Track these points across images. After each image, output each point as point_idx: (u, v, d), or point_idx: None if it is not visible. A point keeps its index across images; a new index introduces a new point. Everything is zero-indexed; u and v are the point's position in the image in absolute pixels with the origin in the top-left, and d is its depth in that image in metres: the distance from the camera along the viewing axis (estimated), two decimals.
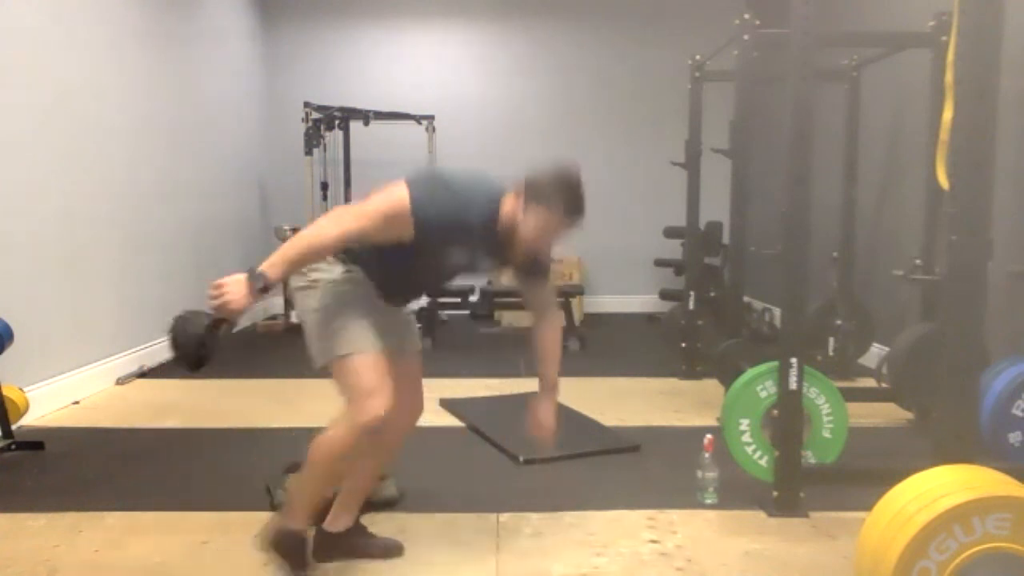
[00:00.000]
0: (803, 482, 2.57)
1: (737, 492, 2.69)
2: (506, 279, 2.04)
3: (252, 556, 2.29)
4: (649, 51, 7.20)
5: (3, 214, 3.49)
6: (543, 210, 2.01)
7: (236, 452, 3.28)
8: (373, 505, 2.60)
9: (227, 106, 6.36)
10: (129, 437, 3.50)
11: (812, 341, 4.28)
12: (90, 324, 4.22)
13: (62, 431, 3.51)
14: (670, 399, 4.10)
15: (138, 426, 3.65)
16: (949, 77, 2.60)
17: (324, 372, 2.13)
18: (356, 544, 2.27)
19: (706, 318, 4.78)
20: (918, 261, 3.67)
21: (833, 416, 2.76)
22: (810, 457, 2.73)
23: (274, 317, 6.77)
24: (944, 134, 2.87)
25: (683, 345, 4.63)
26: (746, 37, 3.84)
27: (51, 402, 3.79)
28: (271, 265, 1.89)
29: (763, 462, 2.72)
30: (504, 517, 2.57)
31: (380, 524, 2.51)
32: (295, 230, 6.31)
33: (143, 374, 4.61)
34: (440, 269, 2.18)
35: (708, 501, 2.66)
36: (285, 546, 2.12)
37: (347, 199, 6.67)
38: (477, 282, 5.99)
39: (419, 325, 6.58)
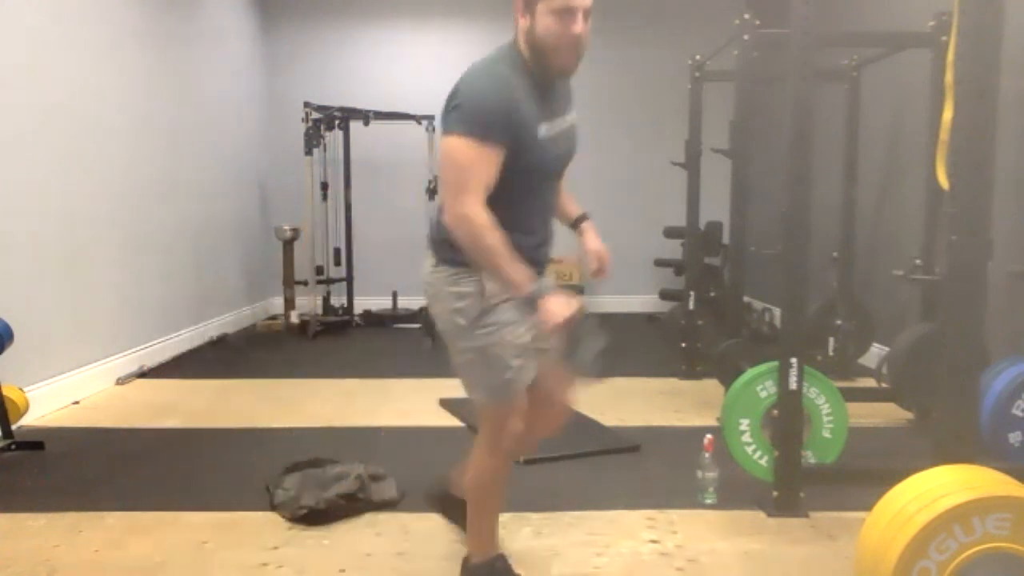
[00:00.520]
0: (803, 482, 2.57)
1: (737, 492, 2.69)
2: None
3: (252, 556, 2.29)
4: (649, 51, 7.20)
5: (3, 214, 3.49)
6: (540, 4, 1.79)
7: (236, 452, 3.28)
8: (374, 505, 2.61)
9: (227, 106, 6.36)
10: (129, 437, 3.50)
11: (812, 341, 4.28)
12: (90, 324, 4.22)
13: (62, 431, 3.51)
14: (670, 399, 4.10)
15: (138, 426, 3.65)
16: (949, 77, 2.60)
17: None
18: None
19: (706, 318, 4.78)
20: (918, 261, 3.67)
21: (833, 416, 2.76)
22: (810, 457, 2.73)
23: (274, 317, 6.78)
24: (944, 134, 2.87)
25: (683, 345, 4.63)
26: (746, 37, 3.84)
27: (51, 402, 3.79)
28: (508, 284, 1.78)
29: (763, 462, 2.72)
30: (504, 517, 2.56)
31: (381, 524, 2.52)
32: (295, 230, 6.38)
33: (143, 374, 4.61)
34: (545, 160, 1.89)
35: (708, 501, 2.66)
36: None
37: (347, 199, 6.67)
38: None
39: (419, 325, 6.46)
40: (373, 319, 6.67)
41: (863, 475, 2.53)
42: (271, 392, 4.29)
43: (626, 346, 5.87)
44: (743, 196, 4.17)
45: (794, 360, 2.51)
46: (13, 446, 3.16)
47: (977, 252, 2.02)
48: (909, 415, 3.67)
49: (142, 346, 4.76)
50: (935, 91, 3.43)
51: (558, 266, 6.87)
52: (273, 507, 2.59)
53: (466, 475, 2.05)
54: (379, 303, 6.97)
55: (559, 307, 1.74)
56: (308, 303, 6.18)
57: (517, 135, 1.76)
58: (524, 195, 1.88)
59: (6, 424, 3.16)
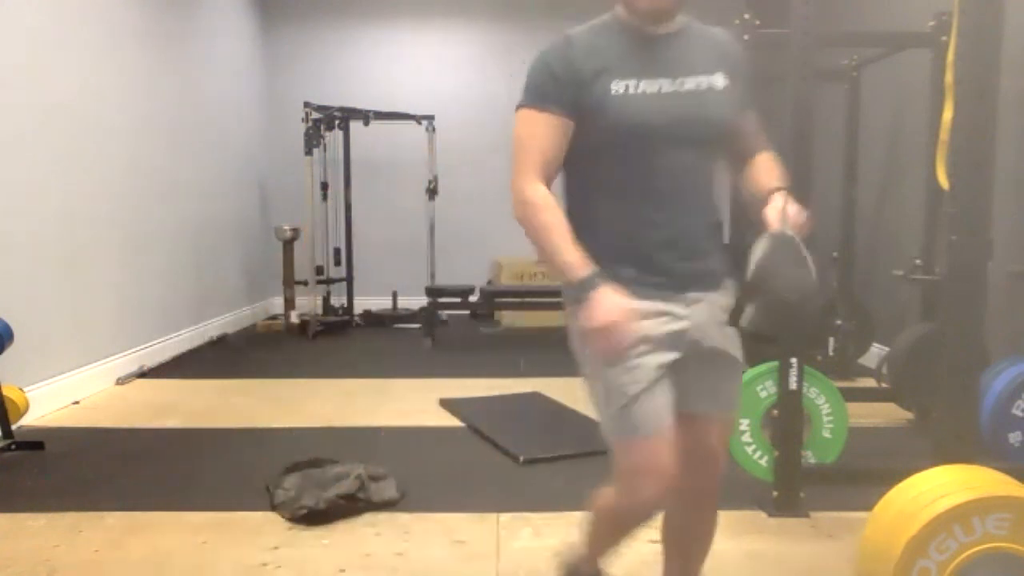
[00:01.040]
0: (803, 482, 2.57)
1: (737, 492, 2.68)
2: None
3: (252, 556, 2.29)
4: None
5: (3, 214, 3.49)
6: None
7: (236, 452, 3.28)
8: (374, 505, 2.61)
9: (227, 106, 6.36)
10: (129, 437, 3.50)
11: (812, 341, 4.28)
12: (90, 324, 4.22)
13: (62, 431, 3.51)
14: None
15: (138, 426, 3.65)
16: (949, 77, 2.60)
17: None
18: None
19: None
20: (918, 261, 3.67)
21: (833, 416, 2.76)
22: (810, 457, 2.73)
23: (274, 317, 6.78)
24: (944, 134, 2.87)
25: None
26: (746, 37, 3.84)
27: (51, 402, 3.79)
28: (570, 264, 1.47)
29: (763, 462, 2.72)
30: (504, 517, 2.57)
31: (380, 524, 2.52)
32: (295, 230, 6.38)
33: (143, 374, 4.61)
34: (637, 122, 1.51)
35: None
36: None
37: (347, 199, 6.67)
38: (477, 282, 5.99)
39: (418, 325, 6.45)
40: (373, 319, 6.67)
41: (863, 475, 2.53)
42: (271, 392, 4.29)
43: None
44: (743, 196, 4.17)
45: (794, 360, 2.51)
46: (13, 446, 3.16)
47: (977, 252, 2.02)
48: (909, 415, 3.67)
49: (142, 346, 4.76)
50: (935, 91, 3.43)
51: None
52: (273, 507, 2.59)
53: (599, 494, 1.77)
54: (379, 303, 6.97)
55: (603, 310, 1.43)
56: (308, 303, 6.19)
57: (578, 94, 1.49)
58: (629, 173, 1.53)
59: (6, 424, 3.16)
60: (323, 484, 2.61)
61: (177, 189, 5.32)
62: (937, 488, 1.72)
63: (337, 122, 6.43)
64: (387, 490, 2.68)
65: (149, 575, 2.22)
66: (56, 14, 3.93)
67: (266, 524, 2.51)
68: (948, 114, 2.66)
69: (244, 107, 6.76)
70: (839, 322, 4.41)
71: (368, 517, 2.56)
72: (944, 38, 3.39)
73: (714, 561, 2.29)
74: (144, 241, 4.82)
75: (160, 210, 5.05)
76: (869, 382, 3.87)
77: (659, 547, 2.37)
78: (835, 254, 4.48)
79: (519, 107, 1.55)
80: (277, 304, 6.82)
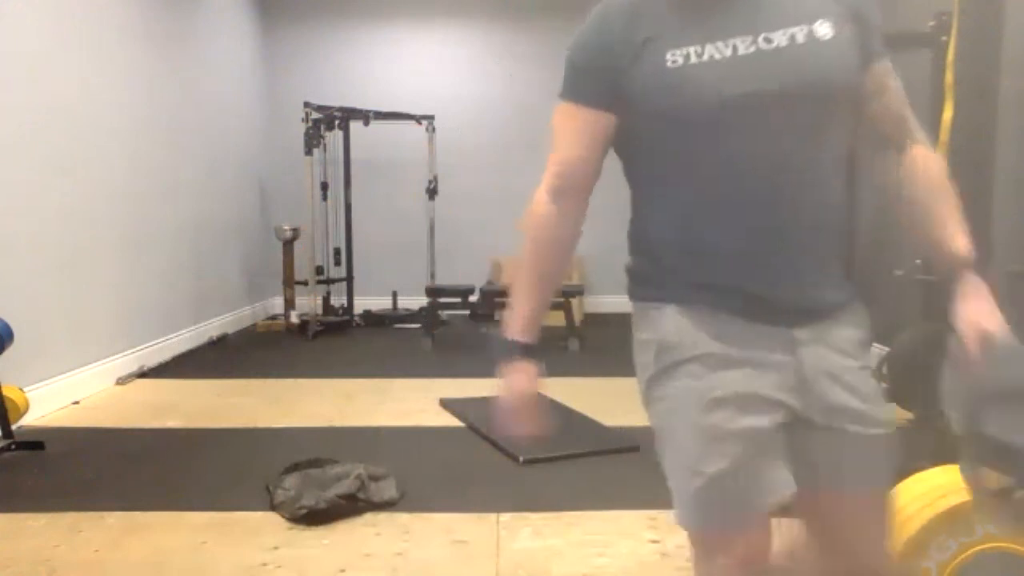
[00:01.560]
0: None
1: None
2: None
3: (252, 556, 2.29)
4: None
5: (3, 214, 3.49)
6: None
7: (236, 452, 3.28)
8: (374, 505, 2.61)
9: (227, 106, 6.36)
10: (129, 437, 3.50)
11: None
12: (90, 324, 4.22)
13: (62, 431, 3.51)
14: None
15: (138, 426, 3.65)
16: (949, 77, 2.60)
17: None
18: None
19: None
20: (918, 261, 3.67)
21: None
22: None
23: (274, 317, 6.78)
24: (944, 134, 2.87)
25: None
26: None
27: (51, 402, 3.79)
28: (511, 318, 1.26)
29: None
30: (504, 517, 2.57)
31: (380, 524, 2.51)
32: (295, 230, 6.38)
33: (143, 374, 4.61)
34: (700, 101, 1.12)
35: None
36: None
37: (347, 199, 6.67)
38: (477, 282, 5.99)
39: (419, 325, 6.44)
40: (373, 319, 6.67)
41: None
42: (271, 392, 4.29)
43: (626, 346, 5.87)
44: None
45: None
46: (13, 446, 3.15)
47: (977, 252, 2.01)
48: (909, 415, 3.67)
49: (142, 346, 4.76)
50: (935, 91, 3.43)
51: None
52: (273, 507, 2.59)
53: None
54: (379, 303, 6.97)
55: (506, 392, 1.25)
56: (308, 303, 6.18)
57: (617, 80, 1.15)
58: (699, 171, 1.15)
59: (6, 424, 3.16)
60: (323, 484, 2.61)
61: (177, 189, 5.32)
62: (937, 488, 1.72)
63: (337, 122, 6.43)
64: (387, 490, 2.68)
65: (149, 575, 2.22)
66: (56, 14, 3.93)
67: (266, 524, 2.51)
68: (948, 114, 2.66)
69: (244, 107, 6.76)
70: None
71: (368, 517, 2.56)
72: (944, 38, 3.38)
73: None
74: (144, 241, 4.82)
75: (160, 210, 5.05)
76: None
77: (659, 547, 2.38)
78: None
79: (559, 97, 1.27)
80: (277, 304, 6.82)
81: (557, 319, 5.61)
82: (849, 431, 1.19)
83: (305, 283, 6.26)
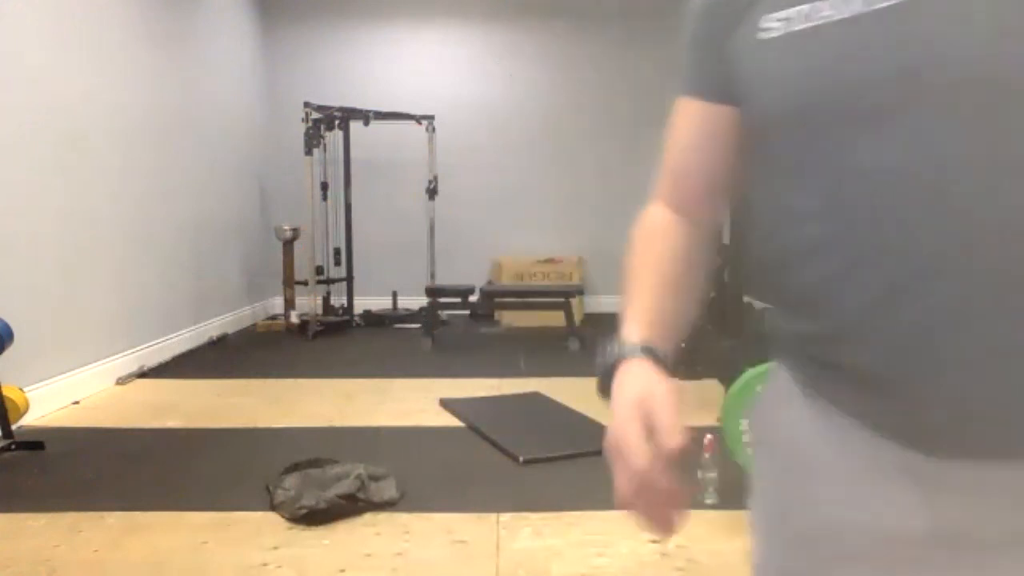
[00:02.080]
0: None
1: (737, 492, 2.69)
2: None
3: (252, 556, 2.29)
4: (649, 51, 7.20)
5: (3, 214, 3.49)
6: None
7: (236, 452, 3.28)
8: (374, 505, 2.61)
9: (227, 106, 6.36)
10: (129, 437, 3.50)
11: None
12: (90, 324, 4.22)
13: (62, 431, 3.51)
14: None
15: (138, 426, 3.65)
16: None
17: None
18: None
19: (706, 318, 4.78)
20: None
21: None
22: None
23: (274, 317, 6.78)
24: None
25: (683, 345, 4.62)
26: None
27: (51, 402, 3.79)
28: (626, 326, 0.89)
29: None
30: (504, 517, 2.57)
31: (380, 524, 2.51)
32: (295, 230, 6.38)
33: (143, 374, 4.61)
34: (813, 86, 0.71)
35: (708, 501, 2.67)
36: None
37: (347, 199, 6.68)
38: (477, 282, 5.99)
39: (418, 325, 6.46)
40: (373, 319, 6.67)
41: None
42: (271, 392, 4.29)
43: None
44: (742, 197, 4.17)
45: None
46: (13, 446, 3.16)
47: None
48: None
49: (142, 346, 4.76)
50: None
51: (556, 266, 6.88)
52: (273, 507, 2.59)
53: None
54: (379, 303, 6.97)
55: (617, 408, 0.82)
56: (308, 303, 6.18)
57: (725, 60, 0.81)
58: (817, 185, 0.73)
59: (6, 424, 3.16)
60: (323, 484, 2.61)
61: (177, 189, 5.32)
62: None
63: (337, 122, 6.43)
64: (387, 490, 2.68)
65: (149, 575, 2.22)
66: (56, 14, 3.93)
67: (266, 524, 2.51)
68: None
69: (244, 107, 6.76)
70: None
71: (368, 517, 2.56)
72: None
73: (714, 561, 2.29)
74: (144, 241, 4.83)
75: (160, 210, 5.06)
76: None
77: (659, 547, 2.38)
78: None
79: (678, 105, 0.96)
80: (277, 304, 6.82)
81: (557, 319, 5.61)
82: None
83: (305, 283, 6.26)
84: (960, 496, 0.68)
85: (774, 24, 0.74)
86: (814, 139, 0.73)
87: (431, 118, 6.71)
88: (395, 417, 3.78)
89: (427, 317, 5.74)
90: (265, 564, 2.24)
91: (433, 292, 5.88)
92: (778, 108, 0.76)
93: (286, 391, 4.29)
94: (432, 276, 6.78)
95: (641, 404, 0.79)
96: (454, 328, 6.43)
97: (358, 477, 2.64)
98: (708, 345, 4.47)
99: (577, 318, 6.09)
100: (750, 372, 2.83)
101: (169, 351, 5.08)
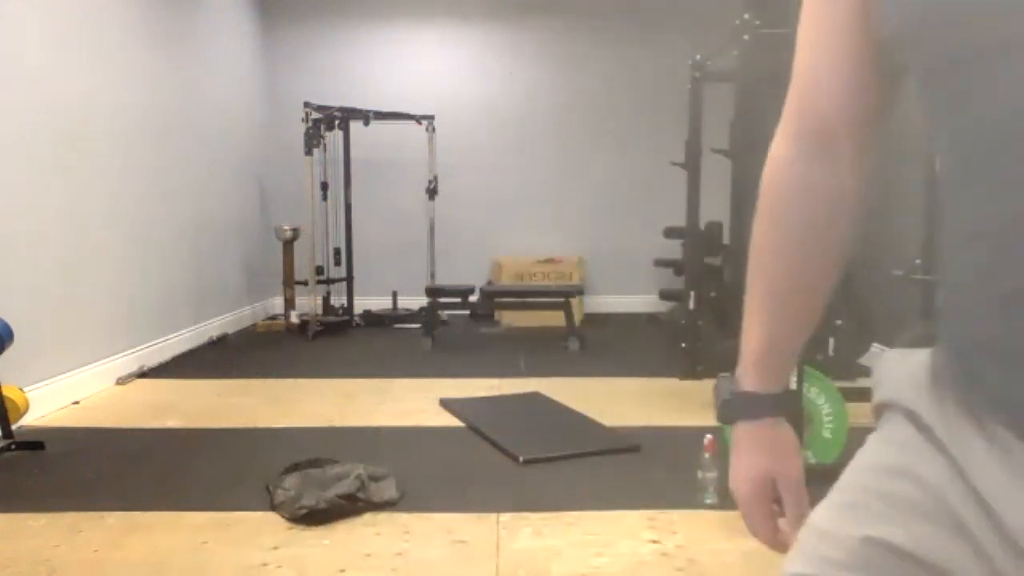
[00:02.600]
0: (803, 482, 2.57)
1: None
2: None
3: (252, 556, 2.29)
4: (649, 51, 7.20)
5: (3, 214, 3.49)
6: None
7: (236, 452, 3.28)
8: (374, 505, 2.61)
9: (227, 106, 6.36)
10: (129, 437, 3.50)
11: (812, 341, 4.27)
12: (90, 324, 4.22)
13: (62, 431, 3.51)
14: (670, 399, 4.10)
15: (138, 426, 3.65)
16: None
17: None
18: None
19: (706, 318, 4.78)
20: (918, 261, 3.67)
21: (833, 416, 2.76)
22: (810, 457, 2.73)
23: (274, 317, 6.78)
24: None
25: (683, 345, 4.64)
26: (746, 37, 3.84)
27: (51, 402, 3.79)
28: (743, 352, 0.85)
29: None
30: (504, 517, 2.57)
31: (380, 524, 2.51)
32: (295, 230, 6.38)
33: (143, 374, 4.61)
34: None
35: (708, 501, 2.66)
36: None
37: (347, 199, 6.67)
38: (477, 282, 5.98)
39: (418, 325, 6.47)
40: (373, 319, 6.67)
41: None
42: (271, 392, 4.29)
43: (626, 346, 5.87)
44: (743, 196, 4.18)
45: None
46: (13, 446, 3.15)
47: None
48: None
49: (142, 346, 4.76)
50: None
51: (556, 266, 6.88)
52: (273, 507, 2.59)
53: None
54: (379, 303, 6.97)
55: (736, 471, 0.82)
56: (308, 303, 6.18)
57: None
58: (977, 131, 0.59)
59: (6, 424, 3.16)
60: (323, 484, 2.61)
61: (177, 189, 5.32)
62: None
63: (337, 122, 6.43)
64: (387, 490, 2.68)
65: (149, 575, 2.22)
66: (57, 14, 3.92)
67: (266, 524, 2.51)
68: None
69: (244, 107, 6.76)
70: (839, 322, 4.41)
71: (368, 517, 2.56)
72: None
73: (713, 560, 2.29)
74: (144, 241, 4.83)
75: (160, 210, 5.05)
76: (869, 382, 3.87)
77: (659, 547, 2.37)
78: None
79: None
80: (277, 304, 6.82)
81: (557, 319, 5.61)
82: None
83: (305, 283, 6.26)
84: None
85: None
86: (930, 73, 0.62)
87: (431, 118, 6.71)
88: (395, 417, 3.78)
89: (427, 317, 5.74)
90: (265, 564, 2.24)
91: (433, 292, 5.88)
92: (896, 25, 0.63)
93: (286, 391, 4.29)
94: (432, 276, 6.78)
95: (770, 485, 0.81)
96: (454, 328, 6.43)
97: (358, 477, 2.64)
98: (708, 345, 4.47)
99: (577, 318, 6.08)
100: None
101: (169, 351, 5.08)
